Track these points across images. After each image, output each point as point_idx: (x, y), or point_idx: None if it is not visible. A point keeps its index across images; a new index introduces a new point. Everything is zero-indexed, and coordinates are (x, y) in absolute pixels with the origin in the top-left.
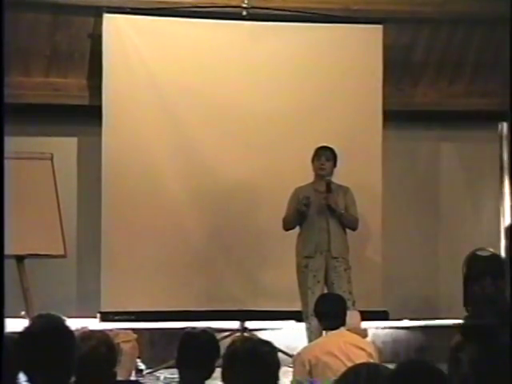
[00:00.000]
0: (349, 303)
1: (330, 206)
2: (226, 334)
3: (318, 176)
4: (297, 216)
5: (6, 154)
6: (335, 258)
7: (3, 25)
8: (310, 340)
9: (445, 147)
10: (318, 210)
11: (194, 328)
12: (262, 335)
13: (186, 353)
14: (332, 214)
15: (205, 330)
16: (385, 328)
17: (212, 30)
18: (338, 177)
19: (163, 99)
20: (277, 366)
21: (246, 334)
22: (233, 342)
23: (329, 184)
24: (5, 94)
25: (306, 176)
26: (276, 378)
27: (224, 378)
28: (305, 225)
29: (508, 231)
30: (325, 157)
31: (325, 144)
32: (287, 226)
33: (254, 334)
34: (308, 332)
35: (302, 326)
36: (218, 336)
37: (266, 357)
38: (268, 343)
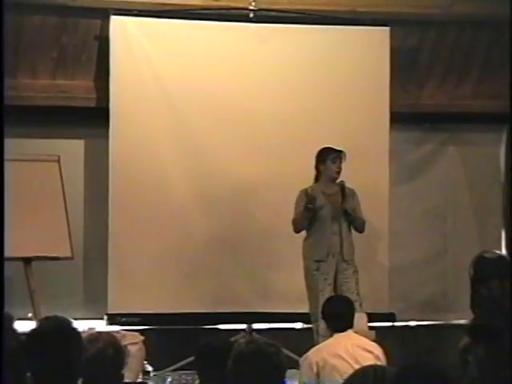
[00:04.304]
0: (356, 304)
1: (346, 210)
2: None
3: (330, 179)
4: (305, 214)
5: (13, 156)
6: (345, 260)
7: (3, 25)
8: (318, 343)
9: (451, 149)
10: (330, 213)
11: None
12: (269, 337)
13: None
14: (345, 218)
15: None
16: (392, 330)
17: (219, 32)
18: (345, 179)
19: (170, 101)
20: (283, 366)
21: (251, 336)
22: (238, 344)
23: (343, 188)
24: (12, 97)
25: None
26: (282, 379)
27: (230, 379)
28: (314, 228)
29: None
30: (339, 160)
31: (332, 146)
32: (297, 227)
33: (259, 336)
34: (316, 335)
35: (309, 328)
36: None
37: (271, 358)
38: (273, 344)
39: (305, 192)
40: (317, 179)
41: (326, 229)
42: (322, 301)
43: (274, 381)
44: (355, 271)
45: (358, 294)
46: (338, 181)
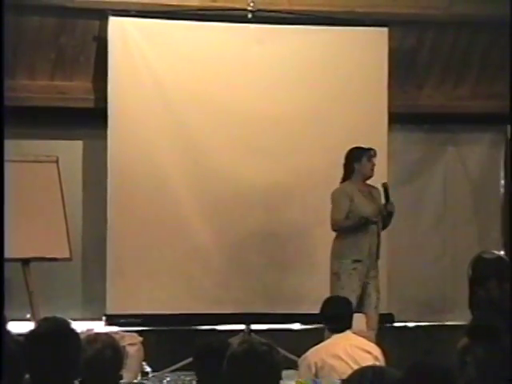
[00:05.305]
0: (378, 302)
1: (391, 213)
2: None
3: (365, 177)
4: (359, 225)
5: (11, 157)
6: (376, 261)
7: (3, 25)
8: None
9: (450, 150)
10: (372, 213)
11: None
12: (267, 338)
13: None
14: (383, 219)
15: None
16: (390, 331)
17: (217, 32)
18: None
19: (168, 102)
20: (276, 366)
21: (244, 336)
22: (232, 344)
23: (387, 189)
24: (10, 98)
25: (314, 178)
26: (278, 378)
27: (225, 379)
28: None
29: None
30: (373, 158)
31: (361, 145)
32: (337, 227)
33: (255, 336)
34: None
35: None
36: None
37: (263, 357)
38: (266, 343)
39: (347, 191)
40: (346, 178)
41: (368, 229)
42: (354, 301)
43: (267, 380)
44: (377, 270)
45: (379, 291)
46: (381, 181)
